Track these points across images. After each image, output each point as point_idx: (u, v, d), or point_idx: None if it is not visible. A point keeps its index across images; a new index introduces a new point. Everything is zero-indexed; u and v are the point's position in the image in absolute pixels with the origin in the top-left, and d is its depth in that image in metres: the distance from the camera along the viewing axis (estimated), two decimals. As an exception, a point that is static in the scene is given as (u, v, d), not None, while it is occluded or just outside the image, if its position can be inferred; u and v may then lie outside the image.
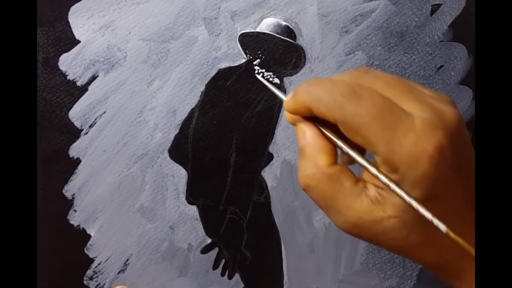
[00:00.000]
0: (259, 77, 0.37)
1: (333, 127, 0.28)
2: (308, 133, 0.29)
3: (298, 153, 0.30)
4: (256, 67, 0.38)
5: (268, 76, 0.38)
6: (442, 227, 0.25)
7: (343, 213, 0.28)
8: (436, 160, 0.26)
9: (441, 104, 0.27)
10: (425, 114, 0.26)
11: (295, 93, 0.29)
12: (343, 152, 0.29)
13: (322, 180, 0.28)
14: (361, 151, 0.28)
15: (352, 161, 0.29)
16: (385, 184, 0.27)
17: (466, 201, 0.27)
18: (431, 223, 0.25)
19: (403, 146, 0.26)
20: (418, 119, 0.26)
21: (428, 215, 0.25)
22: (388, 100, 0.27)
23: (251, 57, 0.38)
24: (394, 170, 0.26)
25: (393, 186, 0.26)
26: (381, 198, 0.27)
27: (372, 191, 0.28)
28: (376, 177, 0.27)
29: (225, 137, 0.38)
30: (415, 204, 0.26)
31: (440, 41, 0.38)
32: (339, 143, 0.28)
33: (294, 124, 0.30)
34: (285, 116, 0.30)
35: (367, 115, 0.26)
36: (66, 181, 0.37)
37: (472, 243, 0.26)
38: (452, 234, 0.25)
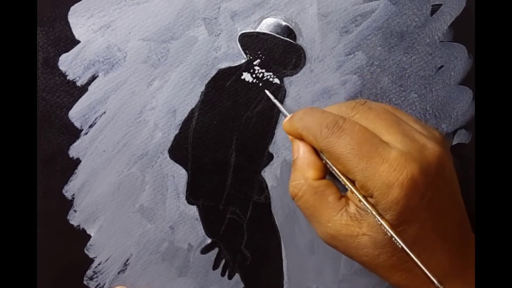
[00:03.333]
0: (269, 93, 0.37)
1: None
2: (301, 149, 0.33)
3: (291, 165, 0.33)
4: (256, 67, 0.38)
5: (268, 76, 0.38)
6: (400, 243, 0.28)
7: (324, 224, 0.31)
8: (407, 189, 0.28)
9: (426, 139, 0.31)
10: (403, 147, 0.29)
11: (291, 118, 0.33)
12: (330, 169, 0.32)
13: (308, 191, 0.32)
14: None
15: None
16: (360, 201, 0.30)
17: (435, 231, 0.30)
18: (400, 248, 0.28)
19: (376, 175, 0.29)
20: (395, 151, 0.29)
21: (389, 230, 0.28)
22: (369, 132, 0.30)
23: (251, 57, 0.38)
24: (369, 195, 0.29)
25: (365, 203, 0.29)
26: (359, 216, 0.30)
27: (352, 208, 0.31)
28: (353, 193, 0.30)
29: (225, 137, 0.38)
30: (380, 221, 0.29)
31: (440, 41, 0.38)
32: (326, 160, 0.32)
33: (291, 140, 0.34)
34: (289, 137, 0.34)
35: (346, 146, 0.29)
36: (66, 181, 0.37)
37: (438, 271, 0.28)
38: (408, 252, 0.28)
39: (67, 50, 0.37)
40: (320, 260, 0.39)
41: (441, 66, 0.39)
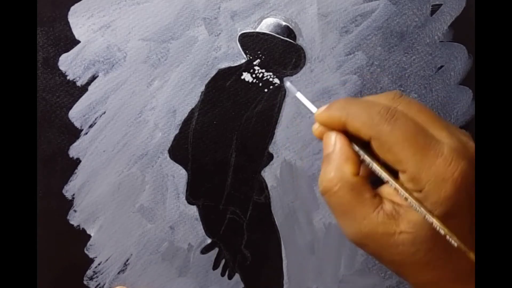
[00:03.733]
0: (290, 85, 0.36)
1: (358, 144, 0.31)
2: (339, 142, 0.31)
3: (322, 160, 0.32)
4: (256, 67, 0.38)
5: (268, 76, 0.38)
6: (455, 242, 0.28)
7: (359, 222, 0.30)
8: (459, 184, 0.28)
9: (463, 136, 0.30)
10: (453, 143, 0.29)
11: (329, 107, 0.32)
12: (365, 165, 0.31)
13: (345, 187, 0.30)
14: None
15: (374, 175, 0.31)
16: (405, 197, 0.29)
17: (471, 230, 0.30)
18: (439, 244, 0.28)
19: (432, 168, 0.28)
20: (447, 146, 0.29)
21: (443, 229, 0.28)
22: (421, 125, 0.29)
23: (251, 57, 0.38)
24: (419, 188, 0.29)
25: (412, 201, 0.29)
26: (396, 213, 0.29)
27: (388, 206, 0.30)
28: (398, 190, 0.29)
29: (225, 137, 0.38)
30: (431, 219, 0.28)
31: (440, 41, 0.38)
32: (365, 154, 0.31)
33: (321, 136, 0.32)
34: (313, 129, 0.33)
35: (401, 135, 0.29)
36: (66, 181, 0.37)
37: (469, 269, 0.28)
38: (464, 248, 0.28)
39: (67, 50, 0.37)
40: (320, 260, 0.39)
41: (441, 66, 0.38)
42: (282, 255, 0.39)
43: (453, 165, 0.28)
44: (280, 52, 0.38)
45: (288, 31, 0.38)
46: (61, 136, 0.37)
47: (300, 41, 0.38)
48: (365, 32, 0.38)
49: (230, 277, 0.38)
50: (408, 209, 0.29)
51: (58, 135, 0.37)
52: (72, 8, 0.37)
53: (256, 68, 0.38)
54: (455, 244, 0.28)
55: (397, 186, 0.29)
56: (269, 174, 0.38)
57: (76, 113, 0.37)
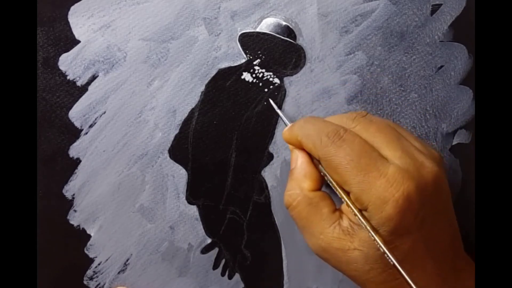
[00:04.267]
0: (272, 103, 0.37)
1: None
2: (299, 159, 0.32)
3: (289, 174, 0.33)
4: (256, 67, 0.38)
5: (268, 76, 0.38)
6: (392, 259, 0.28)
7: (316, 236, 0.31)
8: (401, 206, 0.28)
9: (424, 157, 0.30)
10: (402, 163, 0.29)
11: (291, 126, 0.33)
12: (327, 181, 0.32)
13: (303, 202, 0.31)
14: None
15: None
16: (355, 214, 0.29)
17: (427, 250, 0.30)
18: (391, 264, 0.27)
19: (373, 189, 0.28)
20: (393, 167, 0.29)
21: (381, 246, 0.27)
22: (368, 146, 0.30)
23: (251, 57, 0.38)
24: (364, 209, 0.29)
25: (359, 217, 0.29)
26: (351, 230, 0.30)
27: (345, 222, 0.30)
28: (349, 206, 0.30)
29: (225, 137, 0.38)
30: (373, 236, 0.28)
31: (440, 41, 0.38)
32: (323, 171, 0.31)
33: (291, 150, 0.34)
34: (289, 147, 0.34)
35: (345, 157, 0.29)
36: (66, 181, 0.37)
37: None
38: (400, 269, 0.28)
39: (67, 50, 0.37)
40: (320, 260, 0.39)
41: (441, 66, 0.39)
42: (282, 255, 0.39)
43: (395, 186, 0.28)
44: (280, 52, 0.38)
45: (288, 31, 0.38)
46: (61, 136, 0.37)
47: (300, 41, 0.38)
48: (365, 32, 0.38)
49: (230, 277, 0.38)
50: (362, 227, 0.29)
51: (58, 135, 0.37)
52: (72, 8, 0.37)
53: (256, 68, 0.38)
54: (392, 263, 0.28)
55: (348, 202, 0.30)
56: (269, 174, 0.38)
57: (76, 113, 0.37)
